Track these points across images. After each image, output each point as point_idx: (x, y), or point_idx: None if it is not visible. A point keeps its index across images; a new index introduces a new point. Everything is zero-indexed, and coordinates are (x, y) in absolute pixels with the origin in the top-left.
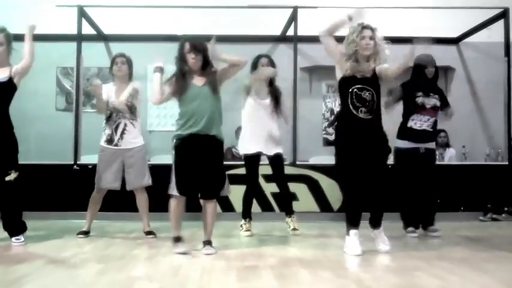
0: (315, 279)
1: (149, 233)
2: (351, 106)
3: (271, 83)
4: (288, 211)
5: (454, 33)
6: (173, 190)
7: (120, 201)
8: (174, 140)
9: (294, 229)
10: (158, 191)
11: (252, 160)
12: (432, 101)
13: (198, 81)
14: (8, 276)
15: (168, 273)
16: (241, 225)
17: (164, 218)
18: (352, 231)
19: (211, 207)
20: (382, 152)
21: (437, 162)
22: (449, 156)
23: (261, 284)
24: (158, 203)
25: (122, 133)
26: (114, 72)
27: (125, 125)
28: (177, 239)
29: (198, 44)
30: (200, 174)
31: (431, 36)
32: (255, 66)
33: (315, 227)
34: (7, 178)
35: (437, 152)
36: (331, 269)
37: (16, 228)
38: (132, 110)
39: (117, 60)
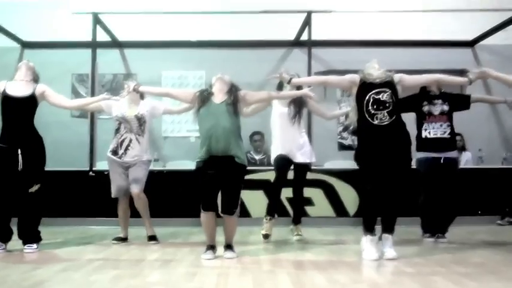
0: (331, 284)
1: (151, 238)
2: (366, 115)
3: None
4: (296, 219)
5: (469, 36)
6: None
7: (133, 208)
8: (196, 162)
9: (298, 234)
10: (173, 196)
11: (279, 160)
12: (438, 107)
13: (217, 98)
14: (25, 282)
15: (183, 279)
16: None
17: (180, 223)
18: (368, 237)
19: (230, 220)
20: (401, 158)
21: None
22: (466, 160)
23: None
24: (173, 209)
25: (126, 148)
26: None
27: (130, 140)
28: (209, 247)
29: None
30: (222, 191)
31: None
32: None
33: (330, 232)
34: (30, 190)
35: None
36: (347, 273)
37: (30, 237)
38: (141, 122)
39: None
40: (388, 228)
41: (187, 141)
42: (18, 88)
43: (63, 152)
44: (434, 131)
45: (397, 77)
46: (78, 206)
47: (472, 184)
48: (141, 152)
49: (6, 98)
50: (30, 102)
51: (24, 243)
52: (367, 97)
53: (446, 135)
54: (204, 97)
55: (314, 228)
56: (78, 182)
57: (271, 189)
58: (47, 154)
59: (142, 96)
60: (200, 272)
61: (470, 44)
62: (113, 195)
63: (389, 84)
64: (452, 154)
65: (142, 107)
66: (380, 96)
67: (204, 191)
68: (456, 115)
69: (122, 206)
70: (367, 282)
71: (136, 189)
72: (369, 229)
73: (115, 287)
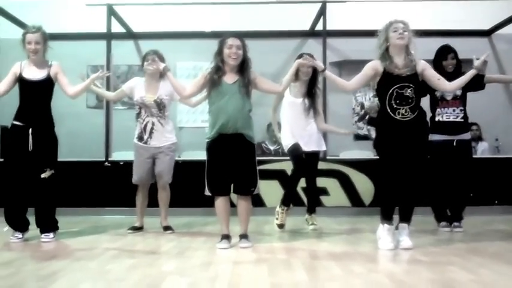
0: (346, 273)
1: (167, 228)
2: (388, 108)
3: (311, 84)
4: (311, 208)
5: (486, 26)
6: (207, 191)
7: (150, 197)
8: (206, 142)
9: (313, 224)
10: (188, 187)
11: (294, 151)
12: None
13: (229, 78)
14: (41, 271)
15: (199, 267)
16: (276, 213)
17: (195, 213)
18: (386, 226)
19: (245, 203)
20: (419, 148)
21: None
22: (482, 150)
23: (292, 278)
24: (189, 199)
25: (151, 132)
26: (145, 68)
27: (153, 124)
28: (224, 237)
29: (241, 41)
30: (232, 173)
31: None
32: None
33: (346, 221)
34: (42, 175)
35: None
36: (362, 263)
37: (47, 226)
38: (160, 107)
39: (148, 57)
40: (405, 218)
41: (203, 132)
42: (34, 71)
43: (79, 143)
44: (447, 115)
45: (420, 66)
46: (94, 196)
47: (489, 174)
48: (166, 133)
49: (23, 81)
50: (48, 85)
51: (42, 232)
52: (390, 91)
53: (459, 119)
54: (214, 80)
55: (329, 218)
56: (94, 172)
57: (289, 179)
58: (63, 145)
59: (162, 75)
60: (215, 262)
61: (487, 33)
62: (134, 182)
63: (413, 78)
64: (465, 136)
65: (162, 90)
66: (403, 91)
67: (212, 172)
68: (472, 104)
69: (141, 194)
70: (383, 271)
71: (163, 181)
72: (387, 218)
73: (130, 276)
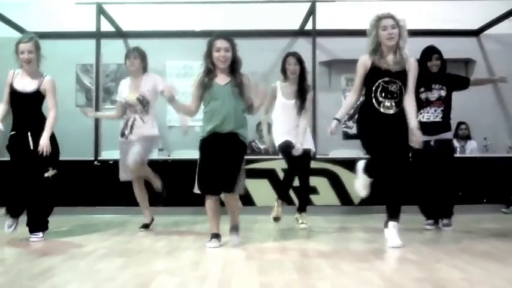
0: (336, 272)
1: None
2: (373, 100)
3: (301, 81)
4: (301, 207)
5: (475, 25)
6: (196, 189)
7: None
8: (199, 140)
9: (303, 223)
10: (177, 186)
11: (285, 147)
12: (435, 93)
13: (221, 80)
14: (32, 270)
15: (189, 267)
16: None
17: (184, 212)
18: (391, 223)
19: (232, 200)
20: (402, 146)
21: (459, 155)
22: (471, 149)
23: (282, 278)
24: (178, 198)
25: (131, 127)
26: (127, 67)
27: (134, 119)
28: (214, 236)
29: (229, 42)
30: (221, 170)
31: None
32: (283, 65)
33: (335, 220)
34: (46, 174)
35: (458, 145)
36: (352, 262)
37: (38, 225)
38: (143, 104)
39: (129, 55)
40: (393, 215)
41: (192, 131)
42: (25, 82)
43: (68, 142)
44: (427, 115)
45: (408, 65)
46: (84, 195)
47: (477, 173)
48: (147, 128)
49: (14, 93)
50: (37, 97)
51: (31, 231)
52: (376, 83)
53: (438, 119)
54: (205, 83)
55: (319, 216)
56: (84, 171)
57: (286, 176)
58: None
59: (145, 71)
60: (205, 260)
61: (476, 33)
62: (121, 179)
63: (401, 75)
64: (445, 136)
65: (144, 87)
66: (389, 85)
67: (203, 170)
68: (462, 103)
69: (138, 187)
70: (373, 270)
71: (129, 161)
72: (393, 216)
73: (120, 275)
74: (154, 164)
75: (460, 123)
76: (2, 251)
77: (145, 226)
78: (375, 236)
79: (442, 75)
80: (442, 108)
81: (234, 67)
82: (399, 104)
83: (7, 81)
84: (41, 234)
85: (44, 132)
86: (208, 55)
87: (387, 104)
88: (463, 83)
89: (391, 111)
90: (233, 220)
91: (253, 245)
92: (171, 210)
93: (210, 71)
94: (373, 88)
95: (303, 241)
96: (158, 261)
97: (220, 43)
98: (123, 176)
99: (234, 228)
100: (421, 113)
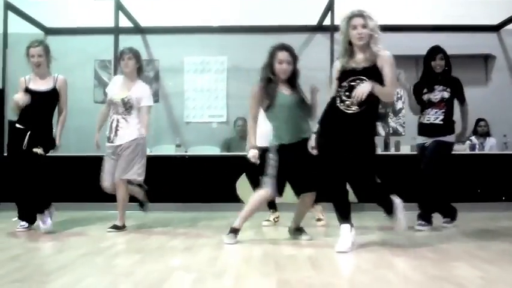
0: (353, 269)
1: (114, 226)
2: (337, 100)
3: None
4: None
5: (495, 21)
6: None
7: (156, 193)
8: (275, 145)
9: (319, 219)
10: (194, 182)
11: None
12: (438, 94)
13: (285, 90)
14: (48, 266)
15: (205, 263)
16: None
17: (201, 208)
18: (343, 225)
19: (311, 197)
20: (360, 144)
21: (478, 152)
22: (490, 146)
23: (299, 273)
24: (194, 194)
25: (116, 130)
26: (121, 68)
27: (118, 121)
28: (232, 231)
29: (291, 55)
30: (297, 173)
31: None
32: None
33: (352, 217)
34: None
35: (477, 141)
36: (368, 259)
37: (40, 206)
38: (126, 106)
39: (123, 56)
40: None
41: (209, 127)
42: (39, 83)
43: (87, 138)
44: (428, 116)
45: (380, 60)
46: (102, 191)
47: (496, 170)
48: (132, 129)
49: (29, 91)
50: (53, 96)
51: (37, 215)
52: (343, 84)
53: (438, 121)
54: (269, 92)
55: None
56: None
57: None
58: (70, 140)
59: (140, 69)
60: (222, 256)
61: (496, 28)
62: (102, 187)
63: (369, 71)
64: (445, 139)
65: (133, 92)
66: (355, 83)
67: (282, 174)
68: (481, 100)
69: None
70: (390, 267)
71: (116, 177)
72: (344, 216)
73: (137, 271)
74: (171, 160)
75: (479, 120)
76: (18, 247)
77: (116, 227)
78: (391, 233)
79: (448, 76)
80: (443, 110)
81: (293, 78)
82: (361, 104)
83: (20, 88)
84: (26, 224)
85: (57, 132)
86: (270, 65)
87: (348, 102)
88: (460, 100)
89: (351, 111)
90: (301, 220)
91: (270, 241)
92: (188, 206)
93: (271, 80)
94: (341, 89)
95: (319, 238)
96: (175, 258)
97: (283, 55)
98: (105, 185)
99: (301, 230)
100: (423, 115)
